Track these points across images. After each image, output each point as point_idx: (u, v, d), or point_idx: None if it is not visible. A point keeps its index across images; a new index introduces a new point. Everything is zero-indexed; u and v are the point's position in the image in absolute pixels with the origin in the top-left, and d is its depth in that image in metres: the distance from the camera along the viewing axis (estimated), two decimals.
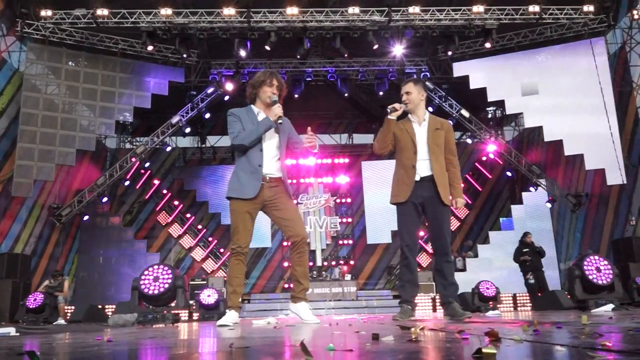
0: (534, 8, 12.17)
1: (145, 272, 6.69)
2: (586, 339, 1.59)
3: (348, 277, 14.99)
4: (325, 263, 16.72)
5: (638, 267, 10.32)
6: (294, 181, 16.88)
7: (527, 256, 10.51)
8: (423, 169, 4.19)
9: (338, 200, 17.66)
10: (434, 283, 12.97)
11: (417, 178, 4.17)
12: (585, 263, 6.65)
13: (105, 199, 15.64)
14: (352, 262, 17.16)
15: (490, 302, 9.79)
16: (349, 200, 17.77)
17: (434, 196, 4.16)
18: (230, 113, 3.98)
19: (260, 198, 3.85)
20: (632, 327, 2.06)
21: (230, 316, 3.84)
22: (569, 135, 12.69)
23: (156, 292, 6.55)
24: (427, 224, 4.34)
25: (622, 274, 7.98)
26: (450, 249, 4.25)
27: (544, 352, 1.31)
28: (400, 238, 4.26)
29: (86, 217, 15.21)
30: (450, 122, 4.49)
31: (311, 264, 16.55)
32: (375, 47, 12.68)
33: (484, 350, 1.13)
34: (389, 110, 4.18)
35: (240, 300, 3.96)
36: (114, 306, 9.35)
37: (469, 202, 17.61)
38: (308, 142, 3.98)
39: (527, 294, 11.16)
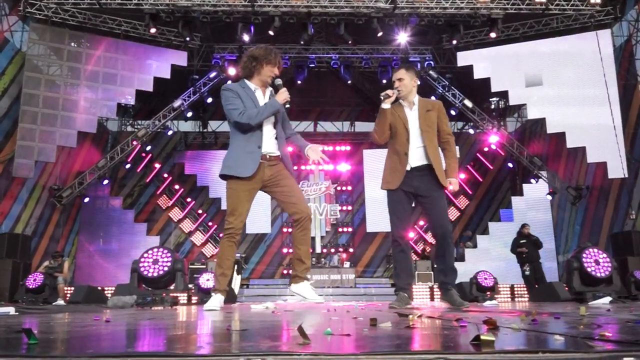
0: None
1: (145, 255, 6.69)
2: (584, 329, 1.58)
3: (347, 264, 15.04)
4: (325, 250, 16.75)
5: (636, 260, 10.33)
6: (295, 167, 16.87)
7: (524, 248, 10.52)
8: (415, 158, 4.11)
9: (338, 188, 17.65)
10: (432, 272, 13.02)
11: (408, 168, 4.10)
12: (584, 255, 6.66)
13: (106, 182, 15.67)
14: (351, 250, 17.20)
15: (488, 292, 9.82)
16: (349, 188, 17.77)
17: (428, 184, 4.09)
18: (226, 88, 3.82)
19: (259, 178, 3.74)
20: (630, 319, 2.06)
21: (217, 300, 3.73)
22: (572, 127, 12.64)
23: (155, 274, 6.55)
24: (425, 213, 4.27)
25: (621, 267, 7.99)
26: (451, 233, 4.19)
27: (542, 340, 1.30)
28: (392, 225, 4.18)
29: (87, 199, 15.24)
30: (440, 102, 4.40)
31: (310, 250, 16.59)
32: (380, 34, 12.57)
33: (482, 337, 1.12)
34: (382, 98, 4.09)
35: (227, 283, 3.87)
36: (113, 288, 9.39)
37: (470, 192, 17.61)
38: (315, 156, 3.84)
39: (525, 285, 11.20)
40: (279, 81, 3.87)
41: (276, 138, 3.84)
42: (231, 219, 3.73)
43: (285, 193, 3.82)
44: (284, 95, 3.78)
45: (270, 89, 3.92)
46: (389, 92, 4.10)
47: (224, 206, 16.67)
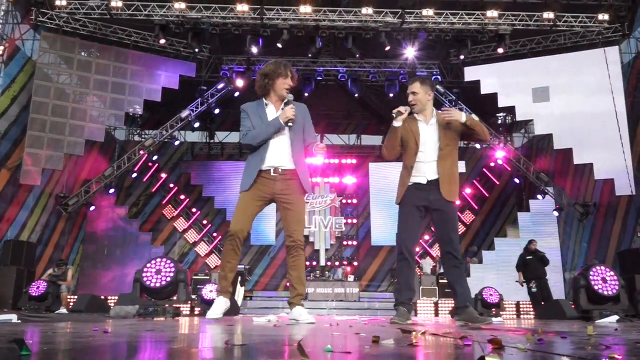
0: (549, 15, 12.07)
1: (148, 265, 6.65)
2: (592, 350, 1.54)
3: (351, 278, 14.95)
4: (329, 263, 16.68)
5: None
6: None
7: (523, 279, 10.39)
8: (431, 171, 4.04)
9: (344, 201, 17.62)
10: (437, 288, 12.91)
11: (424, 181, 4.04)
12: (592, 273, 6.56)
13: (112, 191, 15.68)
14: (355, 264, 17.11)
15: (494, 309, 9.71)
16: (355, 201, 17.73)
17: (441, 199, 4.03)
18: (241, 109, 3.95)
19: (269, 190, 3.81)
20: (638, 339, 2.01)
21: (219, 304, 3.80)
22: (579, 144, 12.57)
23: (158, 285, 6.51)
24: (434, 229, 4.21)
25: (628, 286, 7.89)
26: (459, 253, 4.10)
27: None
28: (399, 239, 4.14)
29: (93, 208, 15.26)
30: None
31: (315, 263, 16.52)
32: (388, 48, 12.62)
33: (487, 358, 1.08)
34: (394, 116, 4.04)
35: (230, 286, 3.93)
36: (116, 297, 9.35)
37: (476, 207, 17.51)
38: (319, 150, 3.95)
39: (531, 303, 11.06)
40: (290, 97, 3.89)
41: (291, 153, 3.86)
42: (231, 223, 3.87)
43: (288, 215, 3.88)
44: (286, 114, 3.79)
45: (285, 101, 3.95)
46: (401, 109, 4.04)
47: (229, 217, 16.68)
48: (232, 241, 3.82)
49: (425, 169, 4.06)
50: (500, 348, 1.47)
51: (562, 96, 12.92)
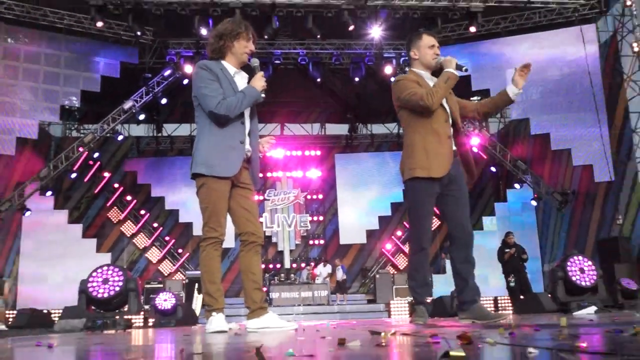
0: None
1: (94, 274, 6.58)
2: (562, 341, 1.65)
3: (319, 280, 15.06)
4: (294, 265, 16.75)
5: (623, 268, 10.65)
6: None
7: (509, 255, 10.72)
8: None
9: (309, 197, 17.68)
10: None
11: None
12: (569, 264, 6.82)
13: (49, 193, 15.35)
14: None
15: None
16: (320, 196, 17.81)
17: (461, 175, 3.83)
18: (203, 66, 3.45)
19: (236, 178, 3.48)
20: (611, 328, 2.14)
21: (221, 319, 3.38)
22: (557, 128, 12.97)
23: (105, 295, 6.45)
24: (444, 208, 3.90)
25: (607, 275, 8.23)
26: (473, 237, 3.91)
27: (516, 354, 1.35)
28: (420, 226, 3.84)
29: (28, 213, 14.85)
30: None
31: (278, 266, 16.56)
32: (351, 28, 12.68)
33: (451, 353, 1.16)
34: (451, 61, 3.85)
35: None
36: (60, 311, 9.19)
37: None
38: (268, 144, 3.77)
39: (509, 297, 11.41)
40: (255, 62, 3.63)
41: (249, 134, 3.57)
42: (213, 223, 3.47)
43: (247, 207, 3.57)
44: (261, 81, 3.54)
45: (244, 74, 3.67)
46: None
47: (182, 219, 16.56)
48: (218, 246, 3.52)
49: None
50: (469, 343, 1.56)
51: (538, 78, 13.24)
